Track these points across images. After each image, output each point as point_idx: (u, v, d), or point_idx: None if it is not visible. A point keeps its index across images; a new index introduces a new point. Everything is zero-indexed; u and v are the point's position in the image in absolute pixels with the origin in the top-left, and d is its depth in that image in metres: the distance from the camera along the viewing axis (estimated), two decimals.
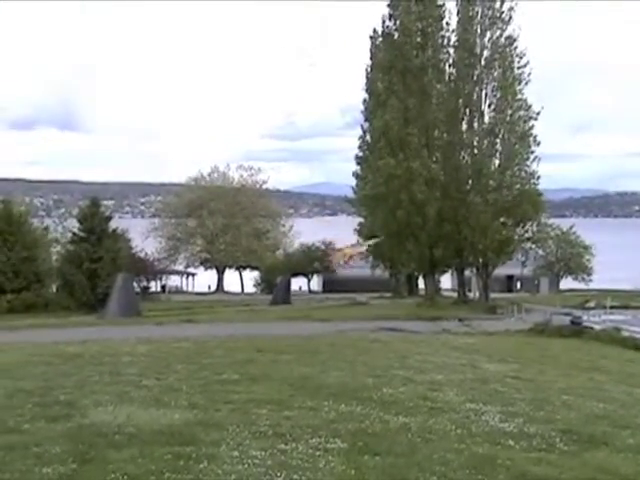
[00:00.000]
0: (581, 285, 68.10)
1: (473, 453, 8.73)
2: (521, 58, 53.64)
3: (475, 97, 54.38)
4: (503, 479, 7.73)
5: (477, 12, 54.06)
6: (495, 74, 54.09)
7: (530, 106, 53.48)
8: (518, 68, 53.72)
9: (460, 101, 54.65)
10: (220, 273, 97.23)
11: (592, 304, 53.42)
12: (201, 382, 13.53)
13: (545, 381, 16.12)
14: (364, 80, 66.01)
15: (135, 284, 65.52)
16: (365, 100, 67.21)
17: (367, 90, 65.65)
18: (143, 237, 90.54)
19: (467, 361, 19.12)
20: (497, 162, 54.79)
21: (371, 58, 64.53)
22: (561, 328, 33.94)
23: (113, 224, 69.11)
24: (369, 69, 65.28)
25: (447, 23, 55.13)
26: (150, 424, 9.63)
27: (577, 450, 9.28)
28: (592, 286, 67.88)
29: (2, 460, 7.87)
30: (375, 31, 62.93)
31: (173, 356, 18.00)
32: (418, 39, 54.09)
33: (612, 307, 48.58)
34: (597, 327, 35.54)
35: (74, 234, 66.97)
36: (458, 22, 54.81)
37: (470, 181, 55.12)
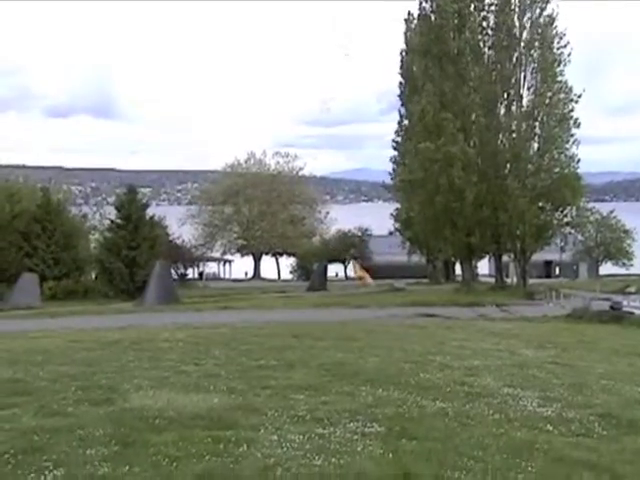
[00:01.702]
0: (621, 270, 67.23)
1: (511, 438, 8.73)
2: (561, 38, 52.91)
3: (514, 80, 53.71)
4: (541, 463, 7.72)
5: None
6: (535, 55, 53.30)
7: (570, 88, 52.72)
8: (558, 49, 52.95)
9: (498, 84, 54.00)
10: (257, 260, 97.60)
11: (632, 289, 52.88)
12: (239, 367, 13.65)
13: (584, 366, 16.01)
14: (399, 64, 65.70)
15: (173, 271, 65.98)
16: (401, 84, 66.88)
17: (402, 74, 65.38)
18: (180, 224, 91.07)
19: (504, 347, 19.05)
20: (536, 146, 54.16)
21: (406, 42, 64.20)
22: (600, 313, 33.63)
23: (150, 212, 69.61)
24: (404, 53, 64.96)
25: (485, 4, 54.33)
26: (190, 408, 9.74)
27: (616, 434, 9.24)
28: (632, 271, 67.03)
29: (48, 442, 8.02)
30: (410, 14, 62.69)
31: (211, 342, 18.15)
32: (455, 21, 53.44)
33: None
34: (637, 312, 35.17)
35: (112, 222, 67.55)
36: (496, 3, 53.97)
37: (508, 165, 54.60)
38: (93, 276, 69.88)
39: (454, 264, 73.99)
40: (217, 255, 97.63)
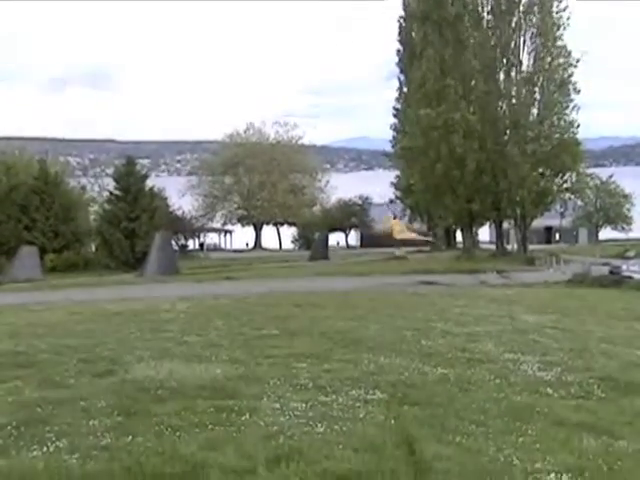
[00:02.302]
0: (620, 235, 67.47)
1: (511, 402, 8.80)
2: (560, 2, 52.59)
3: (513, 45, 53.35)
4: (541, 426, 7.78)
5: None
6: (534, 20, 52.90)
7: (570, 52, 52.41)
8: (557, 12, 52.58)
9: (498, 50, 53.65)
10: (257, 230, 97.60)
11: (631, 253, 53.00)
12: (241, 337, 13.72)
13: (584, 331, 16.07)
14: (398, 31, 65.20)
15: (173, 242, 65.91)
16: (399, 51, 66.43)
17: (401, 41, 64.91)
18: (180, 195, 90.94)
19: (505, 313, 19.10)
20: (535, 112, 53.95)
21: (404, 8, 63.66)
22: (600, 278, 33.70)
23: (149, 183, 69.46)
24: (402, 20, 64.47)
25: None
26: (192, 379, 9.80)
27: (615, 397, 9.32)
28: (631, 235, 67.18)
29: (51, 413, 8.09)
30: None
31: (213, 313, 18.22)
32: None
33: None
34: (636, 276, 35.23)
35: (111, 193, 67.44)
36: None
37: (508, 132, 54.42)
38: (93, 248, 69.81)
39: (455, 231, 74.00)
40: (218, 226, 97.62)
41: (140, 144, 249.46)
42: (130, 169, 66.93)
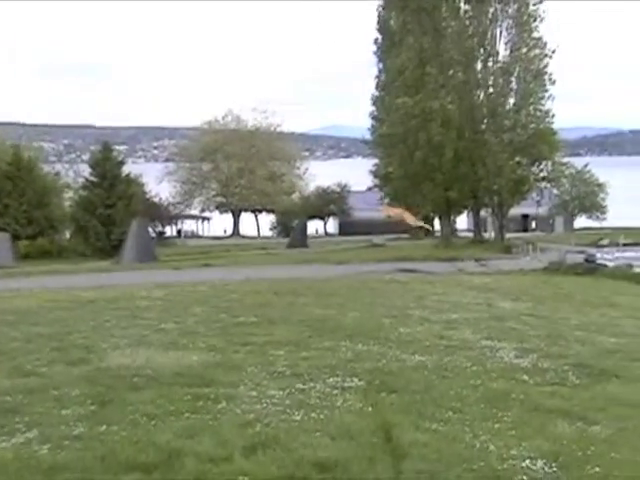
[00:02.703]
0: (595, 223, 67.87)
1: (488, 388, 8.86)
2: None
3: (490, 35, 53.54)
4: (517, 413, 7.84)
5: None
6: (510, 11, 53.17)
7: (545, 44, 52.74)
8: (534, 4, 52.85)
9: (475, 39, 53.79)
10: (236, 217, 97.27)
11: (605, 242, 53.44)
12: (219, 325, 13.68)
13: (559, 318, 16.19)
14: (376, 20, 64.98)
15: (150, 229, 65.50)
16: (377, 40, 66.24)
17: (379, 30, 64.69)
18: (157, 182, 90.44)
19: (483, 300, 19.19)
20: (512, 101, 54.21)
21: None
22: (575, 266, 33.94)
23: (126, 169, 68.79)
24: (381, 8, 64.23)
25: None
26: (169, 366, 9.76)
27: (589, 383, 9.43)
28: (606, 224, 67.66)
29: (21, 403, 8.02)
30: None
31: (190, 300, 18.15)
32: None
33: (625, 244, 48.66)
34: (610, 264, 35.54)
35: (86, 179, 66.78)
36: None
37: (485, 121, 54.61)
38: (68, 235, 69.09)
39: (433, 219, 74.14)
40: (195, 213, 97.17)
41: (117, 130, 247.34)
42: (106, 155, 66.30)
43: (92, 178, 65.43)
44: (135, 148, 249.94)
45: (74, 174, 79.24)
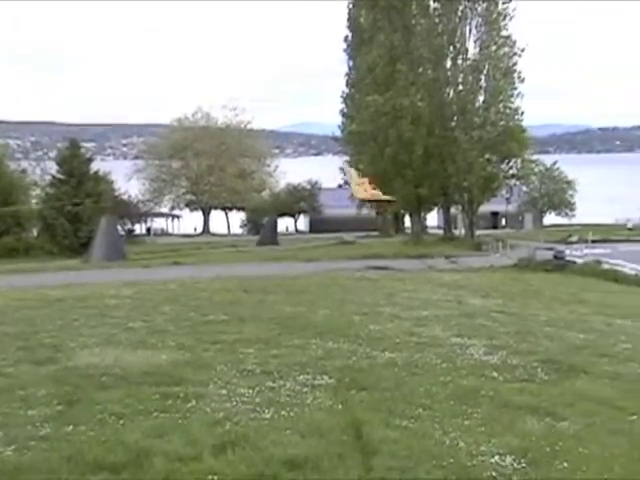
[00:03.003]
0: (564, 220, 68.52)
1: (458, 385, 8.88)
2: None
3: (460, 33, 53.76)
4: (487, 409, 7.87)
5: None
6: (479, 9, 53.45)
7: (515, 42, 53.08)
8: (503, 3, 53.18)
9: (445, 37, 53.99)
10: (206, 215, 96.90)
11: (574, 238, 53.95)
12: (188, 323, 13.61)
13: (528, 314, 16.31)
14: (347, 17, 64.98)
15: (119, 227, 65.03)
16: (347, 38, 66.26)
17: (349, 27, 64.69)
18: (126, 179, 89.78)
19: (453, 297, 19.28)
20: (482, 99, 54.47)
21: None
22: (544, 263, 34.25)
23: (95, 166, 68.13)
24: (351, 5, 64.25)
25: None
26: (137, 365, 9.68)
27: (557, 379, 9.50)
28: (574, 221, 68.33)
29: None
30: None
31: (160, 298, 18.02)
32: None
33: (593, 241, 49.17)
34: (579, 261, 35.90)
35: (53, 177, 66.10)
36: None
37: (455, 118, 54.82)
38: (35, 233, 68.38)
39: (403, 216, 74.30)
40: (165, 210, 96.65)
41: (85, 127, 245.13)
42: (74, 152, 65.61)
43: (59, 175, 64.69)
44: (104, 145, 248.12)
45: (41, 171, 78.24)
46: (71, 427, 6.97)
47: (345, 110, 69.42)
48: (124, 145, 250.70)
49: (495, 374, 9.58)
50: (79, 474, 5.88)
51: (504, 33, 53.10)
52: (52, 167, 69.53)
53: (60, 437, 6.73)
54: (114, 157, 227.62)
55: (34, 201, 70.61)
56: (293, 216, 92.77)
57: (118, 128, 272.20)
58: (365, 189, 71.53)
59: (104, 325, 13.38)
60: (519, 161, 57.18)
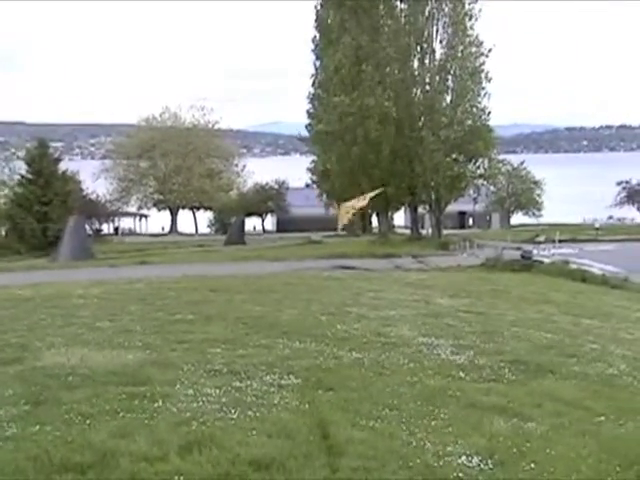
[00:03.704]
0: (531, 220, 69.09)
1: (425, 385, 8.93)
2: None
3: (427, 33, 53.95)
4: (454, 409, 7.92)
5: None
6: (446, 10, 53.63)
7: (482, 42, 53.36)
8: (469, 3, 53.44)
9: (412, 37, 54.16)
10: (173, 214, 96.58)
11: (542, 238, 54.24)
12: (155, 323, 13.53)
13: (496, 314, 16.39)
14: (314, 17, 65.02)
15: (87, 226, 64.67)
16: (315, 38, 66.31)
17: (317, 28, 64.74)
18: (94, 179, 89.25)
19: (420, 297, 19.33)
20: (449, 98, 54.65)
21: None
22: (512, 262, 34.36)
23: (63, 166, 67.84)
24: (319, 6, 64.30)
25: None
26: (104, 365, 9.63)
27: (525, 379, 9.57)
28: (542, 220, 68.89)
29: None
30: None
31: (127, 298, 17.90)
32: None
33: (561, 241, 49.44)
34: (546, 261, 36.08)
35: (22, 177, 65.71)
36: None
37: (422, 118, 54.99)
38: (3, 232, 67.87)
39: (370, 216, 74.43)
40: (133, 210, 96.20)
41: (53, 127, 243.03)
42: (42, 152, 65.26)
43: (28, 175, 64.36)
44: (72, 145, 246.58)
45: (10, 171, 77.58)
46: (37, 427, 6.94)
47: (312, 110, 69.52)
48: (92, 145, 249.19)
49: (462, 374, 9.63)
50: (45, 474, 5.87)
51: (471, 33, 53.39)
52: (21, 167, 69.03)
53: (26, 437, 6.69)
54: (82, 157, 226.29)
55: (2, 201, 69.98)
56: (261, 216, 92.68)
57: (86, 128, 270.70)
58: (350, 209, 71.35)
59: (71, 325, 13.27)
60: (486, 161, 57.46)
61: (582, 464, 6.42)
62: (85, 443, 6.50)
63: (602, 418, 7.97)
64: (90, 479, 5.83)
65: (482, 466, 6.26)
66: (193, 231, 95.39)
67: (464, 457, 6.41)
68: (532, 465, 6.31)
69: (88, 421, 7.17)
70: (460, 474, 6.06)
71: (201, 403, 7.87)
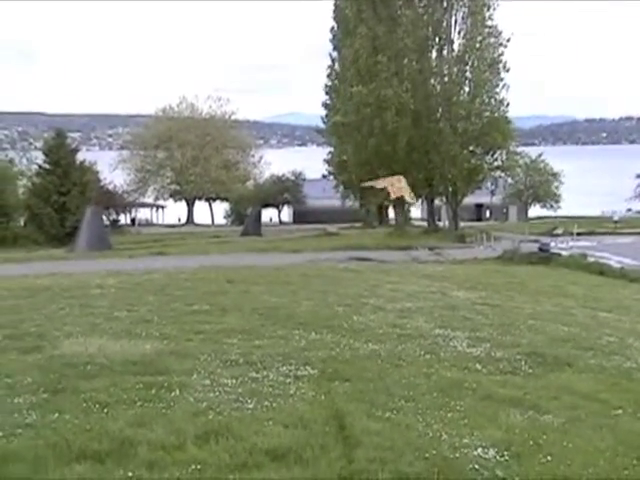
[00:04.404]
0: (549, 212, 68.61)
1: (441, 377, 8.91)
2: None
3: (445, 24, 53.76)
4: (470, 402, 7.90)
5: None
6: (465, 0, 53.45)
7: (500, 32, 53.16)
8: None
9: (430, 28, 53.96)
10: (190, 205, 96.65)
11: (559, 231, 54.05)
12: (172, 313, 13.58)
13: (513, 307, 16.35)
14: (332, 8, 64.94)
15: (104, 217, 64.88)
16: (333, 28, 66.26)
17: (335, 18, 64.68)
18: (111, 169, 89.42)
19: (437, 289, 19.30)
20: (467, 90, 54.48)
21: None
22: (529, 255, 34.29)
23: (80, 156, 67.98)
24: None
25: None
26: (121, 355, 9.68)
27: (541, 372, 9.53)
28: (560, 213, 68.48)
29: None
30: None
31: (144, 288, 17.97)
32: None
33: (579, 234, 49.25)
34: (564, 253, 35.95)
35: (40, 167, 65.90)
36: None
37: (440, 109, 54.81)
38: (22, 223, 68.20)
39: (387, 208, 74.28)
40: (150, 201, 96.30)
41: (71, 117, 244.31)
42: (60, 142, 65.42)
43: (46, 165, 64.49)
44: (89, 136, 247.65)
45: (27, 161, 77.88)
46: (56, 415, 6.99)
47: (328, 101, 69.46)
48: (109, 135, 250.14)
49: (478, 366, 9.61)
50: (64, 462, 5.92)
51: (489, 23, 53.15)
52: (38, 157, 69.25)
53: (45, 425, 6.75)
54: (100, 147, 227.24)
55: (21, 191, 70.26)
56: (277, 207, 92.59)
57: (103, 118, 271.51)
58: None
59: (89, 314, 13.34)
60: (504, 153, 57.21)
61: (599, 457, 6.40)
62: (103, 431, 6.54)
63: (619, 411, 7.94)
64: (108, 467, 5.87)
65: (498, 458, 6.25)
66: (209, 222, 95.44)
67: (480, 449, 6.41)
68: (548, 458, 6.29)
69: (106, 410, 7.21)
70: (476, 466, 6.06)
71: (218, 393, 7.90)
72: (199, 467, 5.84)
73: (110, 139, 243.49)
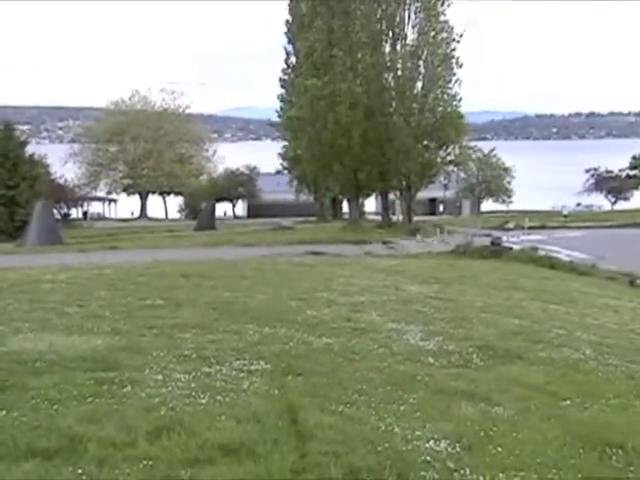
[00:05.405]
0: (501, 207, 69.41)
1: (394, 371, 8.97)
2: None
3: (398, 18, 53.87)
4: (422, 395, 7.96)
5: None
6: None
7: (452, 28, 53.39)
8: None
9: (383, 22, 54.07)
10: (143, 199, 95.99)
11: (511, 225, 54.68)
12: (125, 308, 13.45)
13: (465, 300, 16.49)
14: (288, 1, 64.83)
15: (55, 211, 64.09)
16: (288, 22, 66.17)
17: (290, 12, 64.59)
18: (62, 163, 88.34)
19: (390, 283, 19.40)
20: (420, 85, 54.65)
21: None
22: (482, 249, 34.61)
23: (30, 149, 67.05)
24: None
25: None
26: (72, 350, 9.56)
27: (493, 365, 9.65)
28: (512, 207, 69.29)
29: None
30: None
31: (96, 283, 17.76)
32: None
33: (530, 228, 49.85)
34: (516, 247, 36.36)
35: None
36: None
37: (394, 104, 54.98)
38: None
39: (341, 202, 74.54)
40: (102, 194, 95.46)
41: (19, 109, 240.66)
42: (8, 134, 64.36)
43: None
44: (39, 128, 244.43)
45: None
46: (4, 412, 6.87)
47: (284, 95, 69.36)
48: (60, 128, 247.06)
49: (431, 360, 9.69)
50: (12, 460, 5.82)
51: (442, 19, 53.37)
52: None
53: None
54: (50, 140, 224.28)
55: None
56: (231, 201, 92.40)
57: (53, 111, 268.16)
58: None
59: (39, 310, 13.15)
60: (457, 147, 57.65)
61: (547, 447, 6.51)
62: (52, 428, 6.45)
63: (567, 402, 8.09)
64: (57, 464, 5.78)
65: (450, 450, 6.30)
66: (163, 216, 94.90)
67: (432, 442, 6.45)
68: (499, 449, 6.37)
69: (55, 406, 7.11)
70: (428, 458, 6.10)
71: (170, 388, 7.85)
72: (150, 463, 5.79)
73: (60, 132, 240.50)
